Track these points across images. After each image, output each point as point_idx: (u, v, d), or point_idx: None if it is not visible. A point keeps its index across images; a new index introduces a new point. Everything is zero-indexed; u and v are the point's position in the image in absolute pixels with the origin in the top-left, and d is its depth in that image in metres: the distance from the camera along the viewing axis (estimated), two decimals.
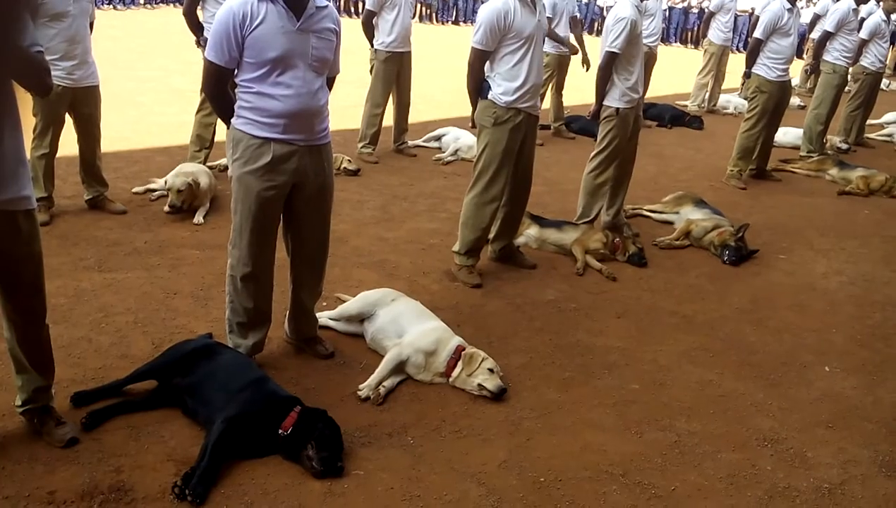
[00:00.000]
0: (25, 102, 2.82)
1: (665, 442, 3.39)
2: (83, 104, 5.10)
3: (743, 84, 8.28)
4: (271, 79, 3.22)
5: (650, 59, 9.35)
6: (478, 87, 4.70)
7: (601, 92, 5.54)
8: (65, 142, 5.22)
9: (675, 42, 23.49)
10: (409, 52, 7.52)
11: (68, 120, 5.15)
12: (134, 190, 5.86)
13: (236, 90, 3.33)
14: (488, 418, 3.46)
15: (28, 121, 4.84)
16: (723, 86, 12.01)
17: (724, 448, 3.38)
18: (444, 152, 7.95)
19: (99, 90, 5.22)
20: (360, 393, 3.48)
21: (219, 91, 3.36)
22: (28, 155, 3.04)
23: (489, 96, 4.64)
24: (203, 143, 6.27)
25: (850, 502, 3.11)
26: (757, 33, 7.43)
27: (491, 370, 3.61)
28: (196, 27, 6.00)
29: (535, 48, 4.60)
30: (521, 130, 4.70)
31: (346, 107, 9.48)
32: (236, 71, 3.27)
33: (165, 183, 5.61)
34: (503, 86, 4.60)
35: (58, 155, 5.16)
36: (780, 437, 3.51)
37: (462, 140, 7.94)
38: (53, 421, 3.02)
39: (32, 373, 2.97)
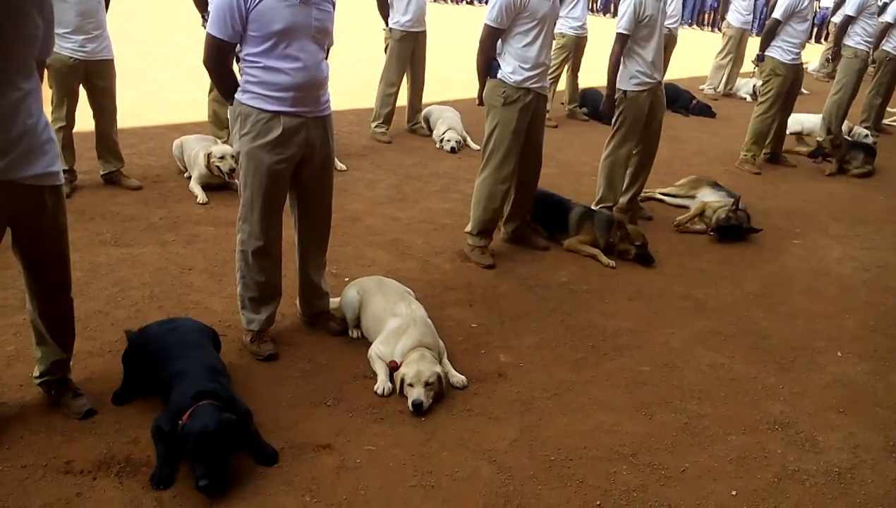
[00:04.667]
0: None
1: (675, 424, 3.41)
2: (97, 77, 5.13)
3: (756, 67, 8.20)
4: (277, 52, 3.22)
5: (670, 42, 9.28)
6: (487, 65, 4.68)
7: (611, 74, 5.51)
8: (79, 118, 5.25)
9: (693, 25, 23.27)
10: (424, 32, 7.49)
11: (83, 94, 5.17)
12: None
13: (241, 65, 3.33)
14: (500, 397, 3.48)
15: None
16: (741, 70, 11.89)
17: (735, 431, 3.40)
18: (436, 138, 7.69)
19: (113, 64, 5.24)
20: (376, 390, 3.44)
21: (221, 66, 3.35)
22: None
23: (498, 75, 4.63)
24: (222, 122, 6.28)
25: (860, 486, 3.12)
26: (776, 14, 7.36)
27: (411, 384, 3.30)
28: (202, 5, 5.99)
29: (546, 29, 4.61)
30: (531, 109, 4.70)
31: (360, 86, 9.49)
32: (239, 46, 3.28)
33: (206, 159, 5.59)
34: (513, 65, 4.59)
35: (73, 130, 5.18)
36: (790, 421, 3.52)
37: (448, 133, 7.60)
38: (71, 393, 3.07)
39: (52, 346, 3.01)
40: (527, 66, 4.59)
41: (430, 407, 3.30)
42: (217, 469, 2.65)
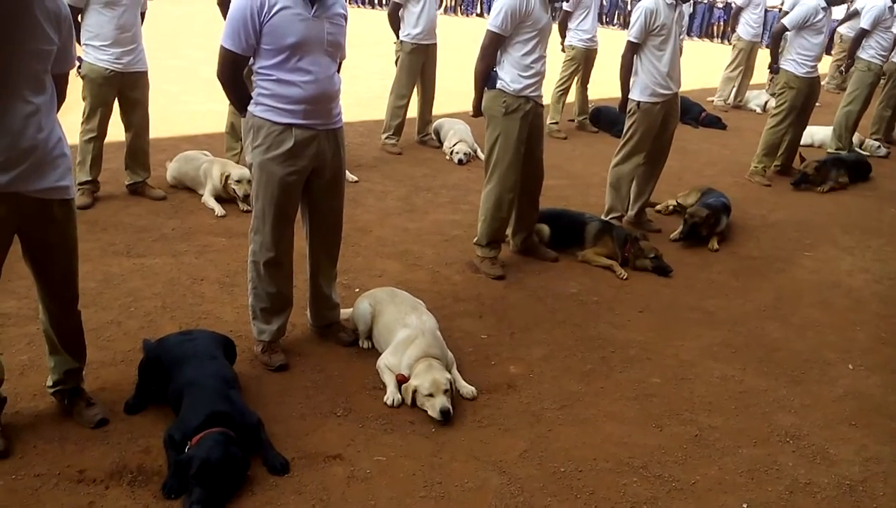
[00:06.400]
0: None
1: (686, 436, 3.40)
2: (131, 89, 5.22)
3: (770, 79, 8.16)
4: (290, 65, 3.26)
5: None
6: (487, 73, 4.69)
7: (624, 83, 5.54)
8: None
9: (703, 37, 23.27)
10: (435, 45, 7.54)
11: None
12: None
13: (254, 78, 3.37)
14: (509, 408, 3.48)
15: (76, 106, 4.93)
16: (751, 81, 11.87)
17: (746, 444, 3.39)
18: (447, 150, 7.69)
19: (147, 76, 5.33)
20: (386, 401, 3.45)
21: (234, 78, 3.39)
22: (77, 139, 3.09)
23: (498, 85, 4.65)
24: (238, 135, 6.32)
25: (871, 499, 3.10)
26: (785, 20, 7.35)
27: (430, 395, 3.30)
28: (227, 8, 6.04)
29: (544, 40, 4.67)
30: (530, 118, 4.72)
31: (371, 98, 9.54)
32: (252, 59, 3.32)
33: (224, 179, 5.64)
34: (512, 73, 4.62)
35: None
36: (801, 434, 3.50)
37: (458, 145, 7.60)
38: (84, 402, 3.09)
39: (64, 356, 3.04)
40: (526, 75, 4.62)
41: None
42: (212, 498, 2.65)
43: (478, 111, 4.85)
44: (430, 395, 3.30)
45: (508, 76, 4.62)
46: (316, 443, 3.09)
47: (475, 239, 4.96)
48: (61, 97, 2.80)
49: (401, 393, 3.42)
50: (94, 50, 4.97)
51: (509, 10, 4.48)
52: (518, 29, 4.54)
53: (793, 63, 7.27)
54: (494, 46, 4.64)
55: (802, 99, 7.40)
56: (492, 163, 4.79)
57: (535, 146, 4.87)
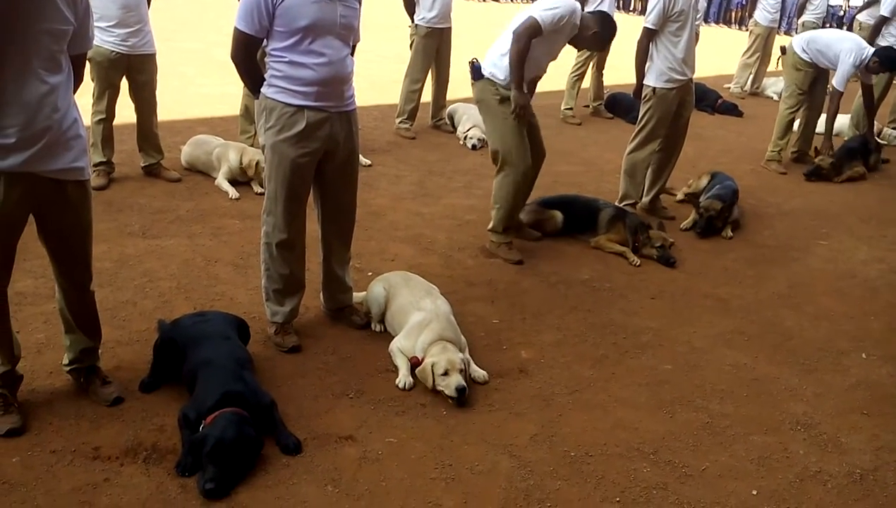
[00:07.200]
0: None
1: (697, 423, 3.40)
2: (138, 71, 5.22)
3: (779, 59, 8.14)
4: (303, 47, 3.27)
5: None
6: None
7: (638, 69, 5.51)
8: (118, 110, 5.34)
9: (720, 23, 23.06)
10: (450, 28, 7.51)
11: (124, 87, 5.26)
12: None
13: (266, 60, 3.37)
14: (520, 393, 3.49)
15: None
16: (769, 68, 11.76)
17: (757, 431, 3.38)
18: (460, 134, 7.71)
19: (155, 59, 5.33)
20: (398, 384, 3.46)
21: (247, 60, 3.40)
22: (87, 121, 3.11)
23: (486, 76, 4.66)
24: (252, 117, 6.34)
25: (882, 488, 3.10)
26: (884, 11, 7.39)
27: (446, 373, 3.30)
28: None
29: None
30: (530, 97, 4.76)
31: (385, 82, 9.52)
32: (266, 41, 3.32)
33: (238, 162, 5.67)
34: (505, 71, 4.64)
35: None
36: (813, 422, 3.50)
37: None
38: (99, 380, 3.13)
39: (80, 335, 3.07)
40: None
41: (449, 401, 3.32)
42: (225, 477, 2.68)
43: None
44: (445, 374, 3.31)
45: (502, 73, 4.61)
46: (328, 424, 3.12)
47: (490, 225, 4.94)
48: (79, 78, 2.81)
49: (417, 376, 3.43)
50: (99, 31, 4.94)
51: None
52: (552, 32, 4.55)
53: (801, 45, 7.23)
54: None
55: (811, 81, 7.33)
56: (501, 153, 4.75)
57: (534, 128, 4.84)
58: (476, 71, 4.71)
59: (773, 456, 3.22)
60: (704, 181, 6.28)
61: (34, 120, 2.57)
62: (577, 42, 4.87)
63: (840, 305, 4.79)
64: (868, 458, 3.27)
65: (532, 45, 4.50)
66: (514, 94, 4.57)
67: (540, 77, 4.91)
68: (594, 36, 4.75)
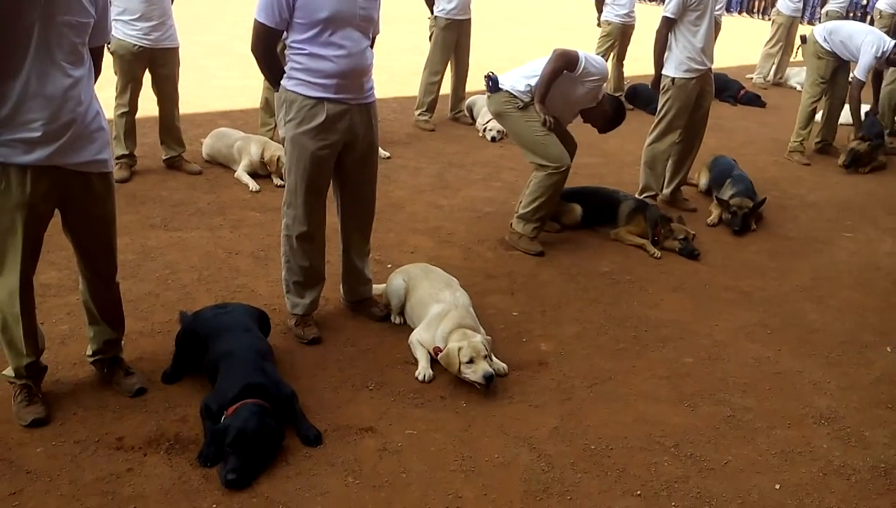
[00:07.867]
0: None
1: (718, 416, 3.37)
2: (161, 65, 5.25)
3: (798, 48, 8.06)
4: (322, 39, 3.26)
5: (714, 30, 9.10)
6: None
7: (657, 59, 5.46)
8: (141, 103, 5.37)
9: (743, 13, 22.81)
10: (469, 20, 7.48)
11: (147, 80, 5.30)
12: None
13: (286, 52, 3.37)
14: (540, 385, 3.48)
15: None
16: (792, 58, 11.61)
17: (779, 425, 3.35)
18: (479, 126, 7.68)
19: (178, 52, 5.36)
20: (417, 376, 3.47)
21: (267, 52, 3.41)
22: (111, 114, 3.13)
23: (505, 89, 4.71)
24: (272, 110, 6.36)
25: None
26: None
27: (471, 361, 3.29)
28: None
29: None
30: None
31: (404, 74, 9.52)
32: (286, 33, 3.32)
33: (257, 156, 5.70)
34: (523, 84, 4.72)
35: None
36: (837, 416, 3.46)
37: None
38: (122, 372, 3.16)
39: (103, 326, 3.10)
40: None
41: (469, 393, 3.32)
42: (247, 467, 2.70)
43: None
44: (471, 362, 3.30)
45: (522, 86, 4.68)
46: (348, 416, 3.13)
47: (518, 213, 4.90)
48: (97, 71, 2.84)
49: (441, 362, 3.40)
50: (122, 25, 5.00)
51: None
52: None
53: (822, 34, 7.14)
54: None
55: (832, 70, 7.24)
56: (541, 159, 4.69)
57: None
58: (493, 83, 4.70)
59: (795, 450, 3.19)
60: (705, 178, 6.26)
61: (59, 113, 2.59)
62: (588, 113, 4.93)
63: (865, 298, 4.72)
64: (892, 452, 3.23)
65: (559, 80, 4.56)
66: (539, 107, 4.64)
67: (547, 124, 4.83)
68: (605, 115, 4.89)
